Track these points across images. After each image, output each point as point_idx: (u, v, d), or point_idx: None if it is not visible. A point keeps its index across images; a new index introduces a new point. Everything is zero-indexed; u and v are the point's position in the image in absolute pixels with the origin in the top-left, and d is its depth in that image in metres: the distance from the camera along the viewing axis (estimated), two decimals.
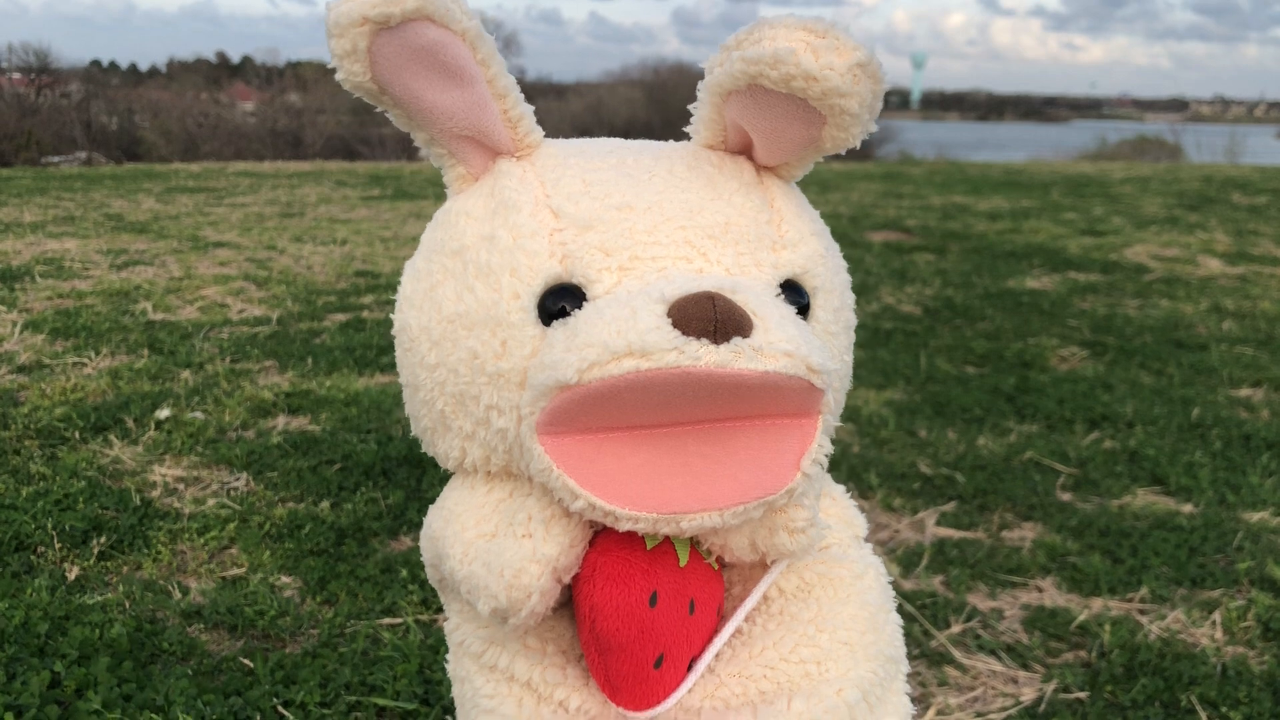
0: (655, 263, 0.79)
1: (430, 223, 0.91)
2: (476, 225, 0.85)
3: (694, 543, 0.83)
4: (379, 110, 0.85)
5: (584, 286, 0.79)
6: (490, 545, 0.83)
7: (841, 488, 1.00)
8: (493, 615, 0.82)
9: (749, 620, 0.88)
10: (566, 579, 0.81)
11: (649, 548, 0.80)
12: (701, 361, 0.67)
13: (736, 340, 0.68)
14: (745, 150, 0.88)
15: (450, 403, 0.85)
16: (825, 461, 0.77)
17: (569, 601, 0.85)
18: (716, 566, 0.86)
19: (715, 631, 0.86)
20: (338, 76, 0.80)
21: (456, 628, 0.94)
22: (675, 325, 0.69)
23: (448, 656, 0.96)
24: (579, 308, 0.77)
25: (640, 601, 0.78)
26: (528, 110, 0.87)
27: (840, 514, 0.96)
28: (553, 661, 0.87)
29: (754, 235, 0.83)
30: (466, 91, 0.82)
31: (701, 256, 0.80)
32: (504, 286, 0.80)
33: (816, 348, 0.71)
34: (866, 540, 0.98)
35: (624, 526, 0.74)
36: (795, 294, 0.84)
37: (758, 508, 0.74)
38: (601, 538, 0.81)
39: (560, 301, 0.79)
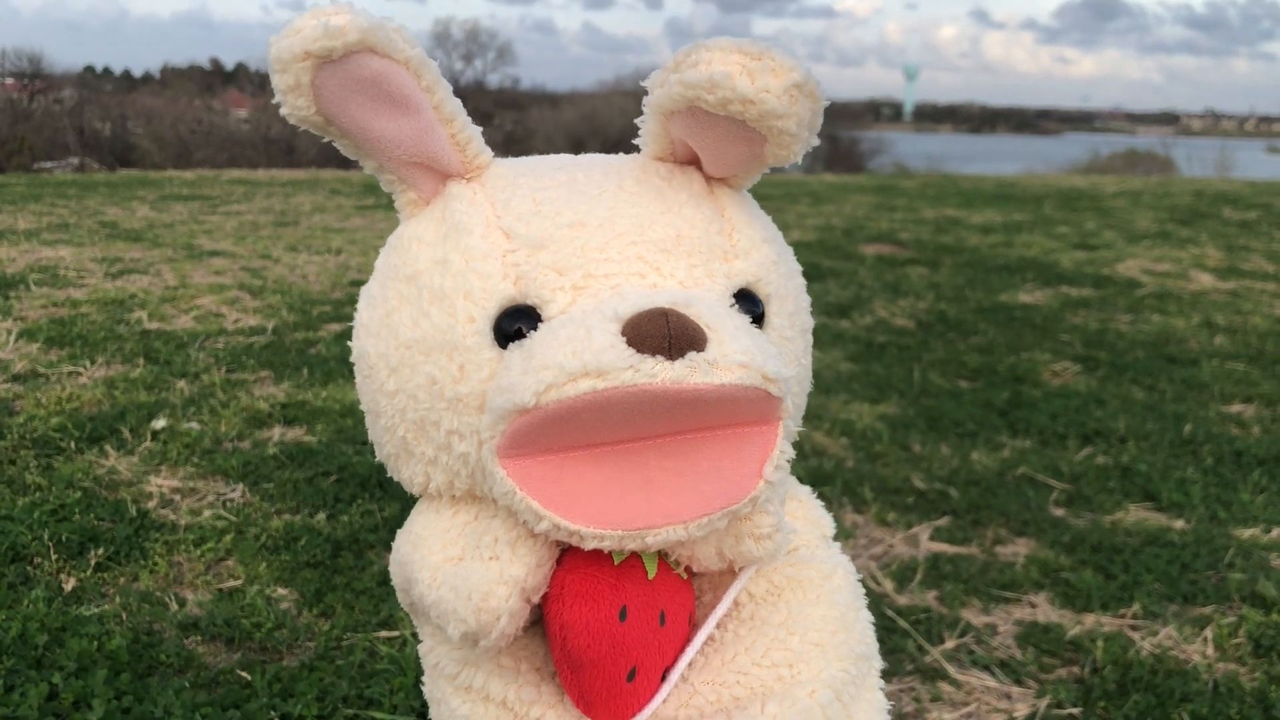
0: (609, 280, 0.79)
1: (384, 248, 0.92)
2: (429, 250, 0.85)
3: (662, 554, 0.84)
4: (326, 140, 0.85)
5: (539, 307, 0.79)
6: (457, 569, 0.84)
7: (807, 489, 1.00)
8: (463, 639, 0.82)
9: (720, 627, 0.88)
10: (535, 599, 0.82)
11: (616, 563, 0.81)
12: (657, 378, 0.68)
13: (691, 355, 0.69)
14: (693, 161, 0.88)
15: (411, 429, 0.85)
16: (787, 467, 0.78)
17: (540, 619, 0.85)
18: (685, 576, 0.87)
19: (687, 640, 0.86)
20: (283, 111, 0.80)
21: (430, 650, 0.95)
22: (630, 343, 0.69)
23: (423, 679, 0.97)
24: (535, 328, 0.77)
25: (610, 617, 0.79)
26: (476, 132, 0.87)
27: (807, 515, 0.97)
28: (527, 680, 0.87)
29: (706, 246, 0.84)
30: (413, 119, 0.82)
31: (655, 271, 0.81)
32: (459, 310, 0.81)
33: (772, 356, 0.72)
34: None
35: (590, 545, 0.74)
36: (750, 303, 0.84)
37: (722, 518, 0.74)
38: (568, 556, 0.82)
39: (516, 323, 0.79)
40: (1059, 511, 2.88)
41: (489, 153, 0.88)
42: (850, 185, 12.67)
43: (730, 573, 0.88)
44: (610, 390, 0.68)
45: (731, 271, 0.84)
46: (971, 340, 4.84)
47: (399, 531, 0.93)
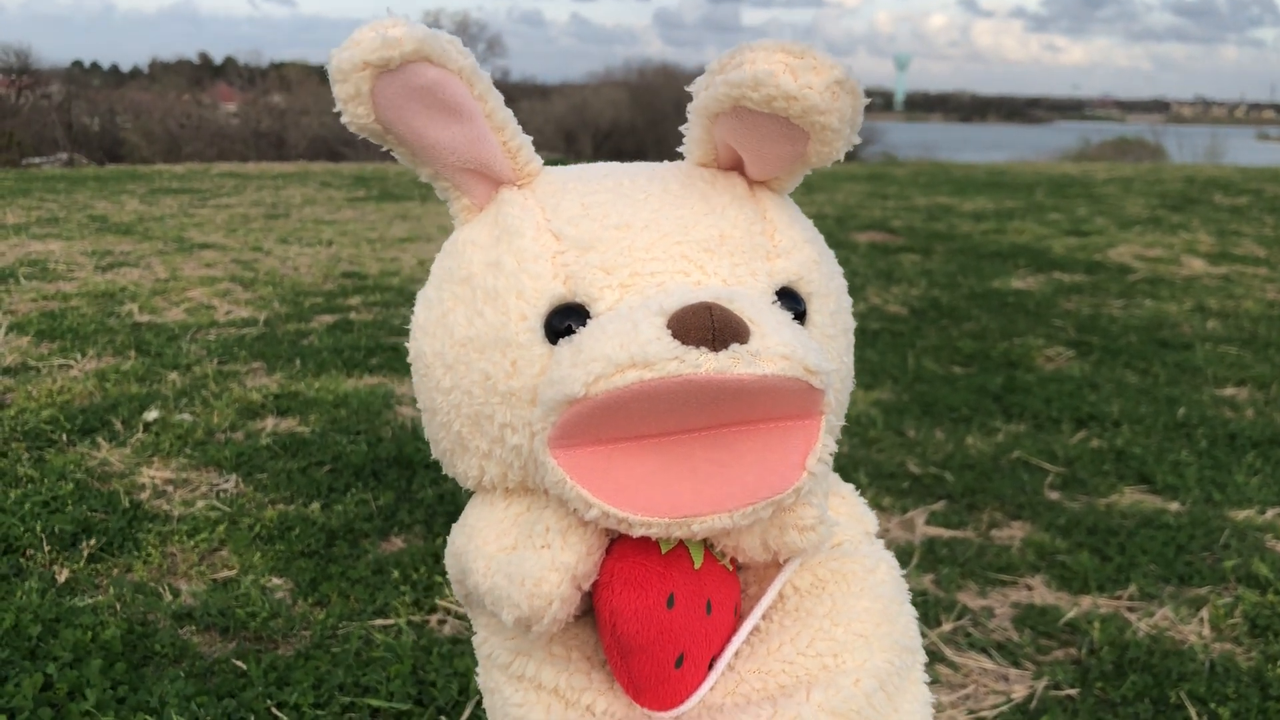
0: (654, 278, 0.82)
1: (439, 253, 0.95)
2: (482, 253, 0.88)
3: (708, 545, 0.85)
4: (384, 149, 0.89)
5: (587, 304, 0.82)
6: (511, 557, 0.86)
7: (851, 486, 1.02)
8: (517, 625, 0.84)
9: (765, 618, 0.90)
10: (586, 586, 0.83)
11: (664, 552, 0.82)
12: (701, 369, 0.70)
13: (734, 346, 0.71)
14: (736, 166, 0.91)
15: (466, 424, 0.88)
16: (830, 460, 0.79)
17: (590, 609, 0.87)
18: (731, 567, 0.88)
19: (733, 630, 0.88)
20: (343, 120, 0.84)
21: (484, 641, 0.96)
22: (675, 335, 0.71)
23: (477, 670, 0.99)
24: (583, 325, 0.80)
25: (658, 604, 0.80)
26: (526, 140, 0.90)
27: (850, 511, 0.98)
28: (578, 668, 0.89)
29: (748, 246, 0.86)
30: (466, 127, 0.85)
31: (699, 269, 0.83)
32: (511, 309, 0.84)
33: (813, 350, 0.74)
34: (880, 539, 0.99)
35: (637, 532, 0.76)
36: (791, 300, 0.86)
37: (766, 508, 0.76)
38: (617, 545, 0.84)
39: (565, 320, 0.82)
40: (1054, 495, 2.89)
41: (539, 160, 0.92)
42: (842, 174, 12.67)
43: (775, 565, 0.89)
44: (656, 380, 0.70)
45: (774, 270, 0.87)
46: (965, 326, 4.84)
47: (454, 525, 0.95)
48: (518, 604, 0.82)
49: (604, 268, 0.83)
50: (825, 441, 0.76)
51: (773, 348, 0.71)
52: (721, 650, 0.86)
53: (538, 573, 0.82)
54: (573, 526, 0.82)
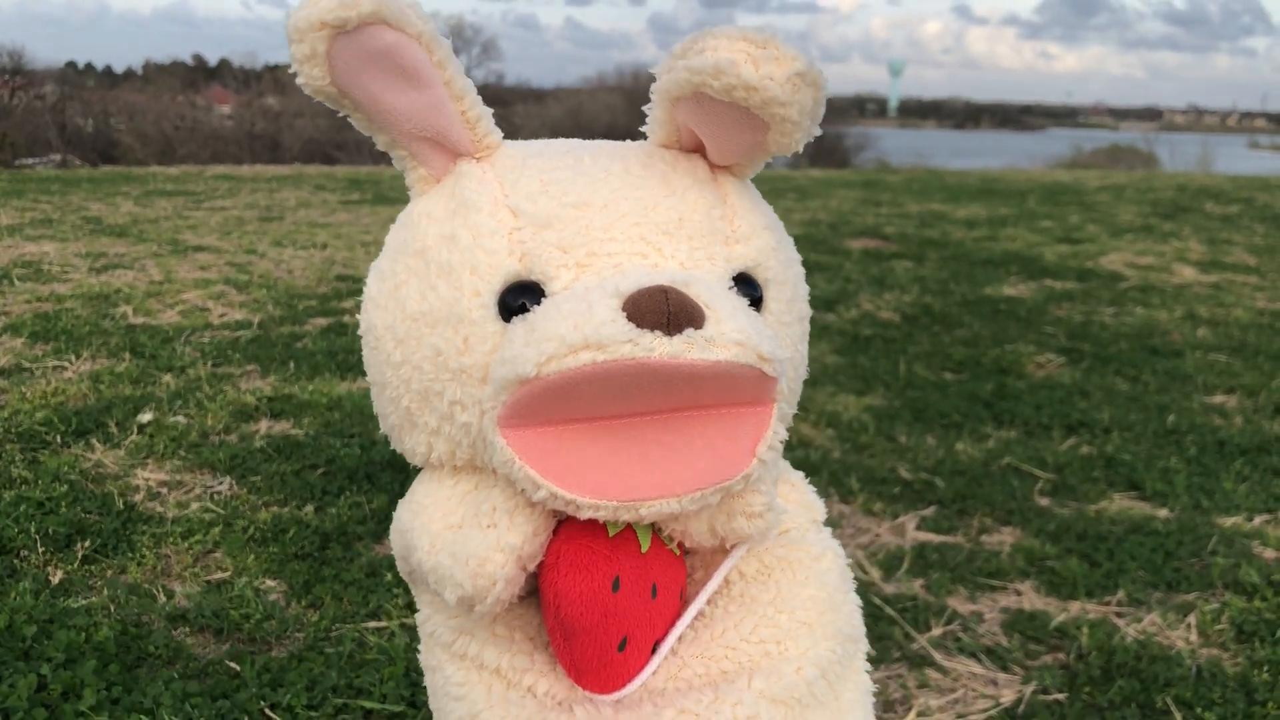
0: (611, 259, 0.81)
1: (394, 224, 0.94)
2: (438, 225, 0.87)
3: (655, 529, 0.85)
4: (340, 115, 0.87)
5: (543, 283, 0.81)
6: (456, 536, 0.85)
7: (800, 474, 1.02)
8: (459, 604, 0.84)
9: (710, 603, 0.90)
10: (531, 567, 0.83)
11: (611, 535, 0.82)
12: (655, 353, 0.69)
13: (689, 331, 0.70)
14: (698, 148, 0.90)
15: (415, 399, 0.87)
16: (780, 447, 0.79)
17: (535, 590, 0.86)
18: (678, 552, 0.88)
19: (678, 615, 0.88)
20: (298, 81, 0.82)
21: (427, 619, 0.96)
22: (630, 318, 0.71)
23: (419, 647, 0.98)
24: (538, 304, 0.79)
25: (603, 587, 0.80)
26: (486, 112, 0.89)
27: (799, 499, 0.99)
28: (520, 648, 0.89)
29: (707, 230, 0.85)
30: (424, 93, 0.84)
31: (656, 252, 0.83)
32: (465, 284, 0.83)
33: (768, 337, 0.73)
34: (829, 528, 1.00)
35: (585, 514, 0.76)
36: (748, 286, 0.86)
37: (715, 493, 0.76)
38: (564, 526, 0.83)
39: (520, 298, 0.81)
40: (1044, 501, 2.90)
41: (498, 133, 0.90)
42: (836, 180, 12.70)
43: (722, 551, 0.89)
44: (609, 363, 0.69)
45: (731, 255, 0.86)
46: (956, 333, 4.86)
47: (400, 501, 0.95)
48: (461, 583, 0.82)
49: (561, 246, 0.82)
50: (776, 429, 0.76)
51: (727, 334, 0.71)
52: (665, 634, 0.87)
53: (482, 552, 0.81)
54: (520, 507, 0.82)
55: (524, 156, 0.89)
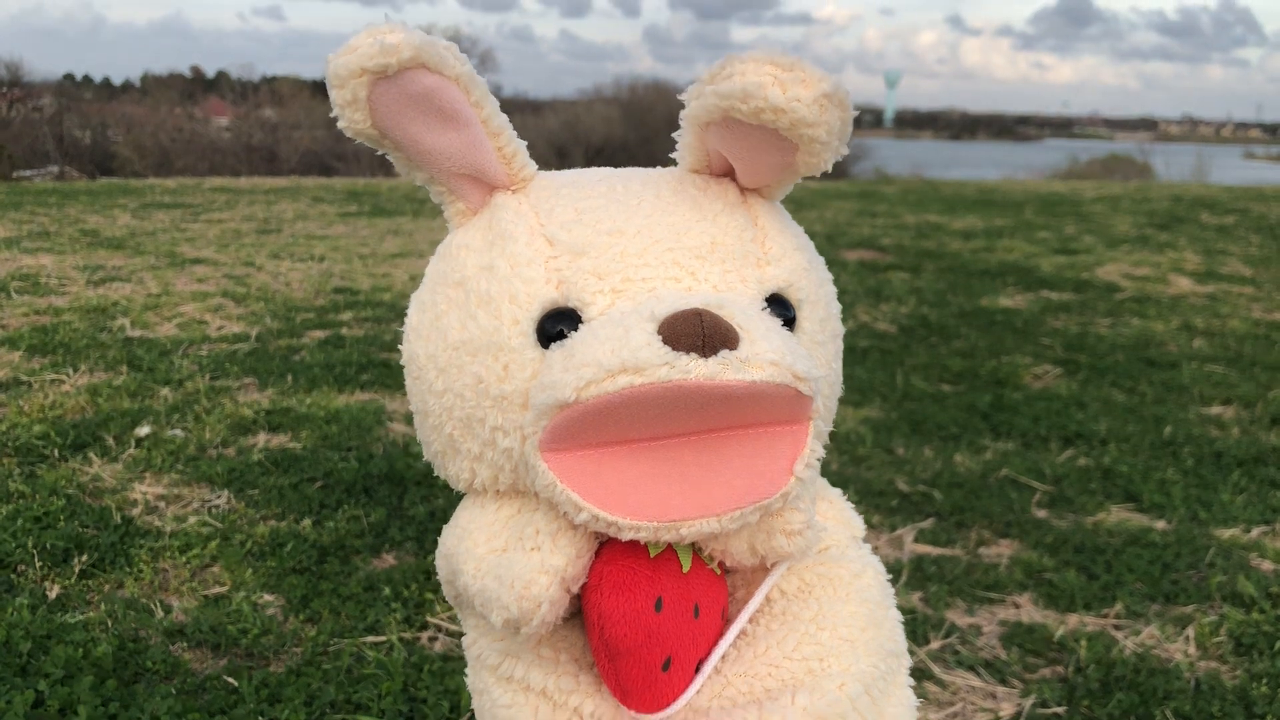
0: (646, 283, 0.83)
1: (433, 256, 0.95)
2: (476, 256, 0.89)
3: (696, 549, 0.86)
4: (380, 153, 0.89)
5: (580, 309, 0.83)
6: (501, 559, 0.87)
7: (838, 491, 1.03)
8: (506, 626, 0.85)
9: (752, 621, 0.91)
10: (574, 589, 0.84)
11: (652, 555, 0.83)
12: (691, 375, 0.71)
13: (724, 353, 0.71)
14: (729, 173, 0.91)
15: (458, 426, 0.88)
16: (818, 465, 0.80)
17: (579, 611, 0.88)
18: (719, 571, 0.89)
19: (720, 634, 0.89)
20: (340, 125, 0.84)
21: (474, 642, 0.97)
22: (665, 341, 0.72)
23: (467, 670, 0.99)
24: (575, 330, 0.80)
25: (646, 607, 0.81)
26: (521, 146, 0.91)
27: (838, 516, 0.99)
28: (566, 670, 0.90)
29: (739, 253, 0.87)
30: (462, 133, 0.86)
31: (690, 275, 0.84)
32: (504, 313, 0.84)
33: (802, 356, 0.75)
34: (867, 544, 1.00)
35: (626, 536, 0.77)
36: (781, 307, 0.87)
37: (754, 512, 0.77)
38: (606, 548, 0.85)
39: (558, 325, 0.82)
40: (1041, 513, 2.91)
41: (533, 166, 0.93)
42: (832, 191, 12.72)
43: (762, 569, 0.90)
44: (647, 386, 0.71)
45: (764, 277, 0.87)
46: (953, 344, 4.87)
47: (445, 527, 0.96)
48: (507, 606, 0.83)
49: (596, 273, 0.83)
50: (813, 447, 0.77)
51: (762, 354, 0.72)
52: (708, 653, 0.87)
53: (527, 575, 0.82)
54: (562, 529, 0.83)
55: (558, 186, 0.91)
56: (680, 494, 0.76)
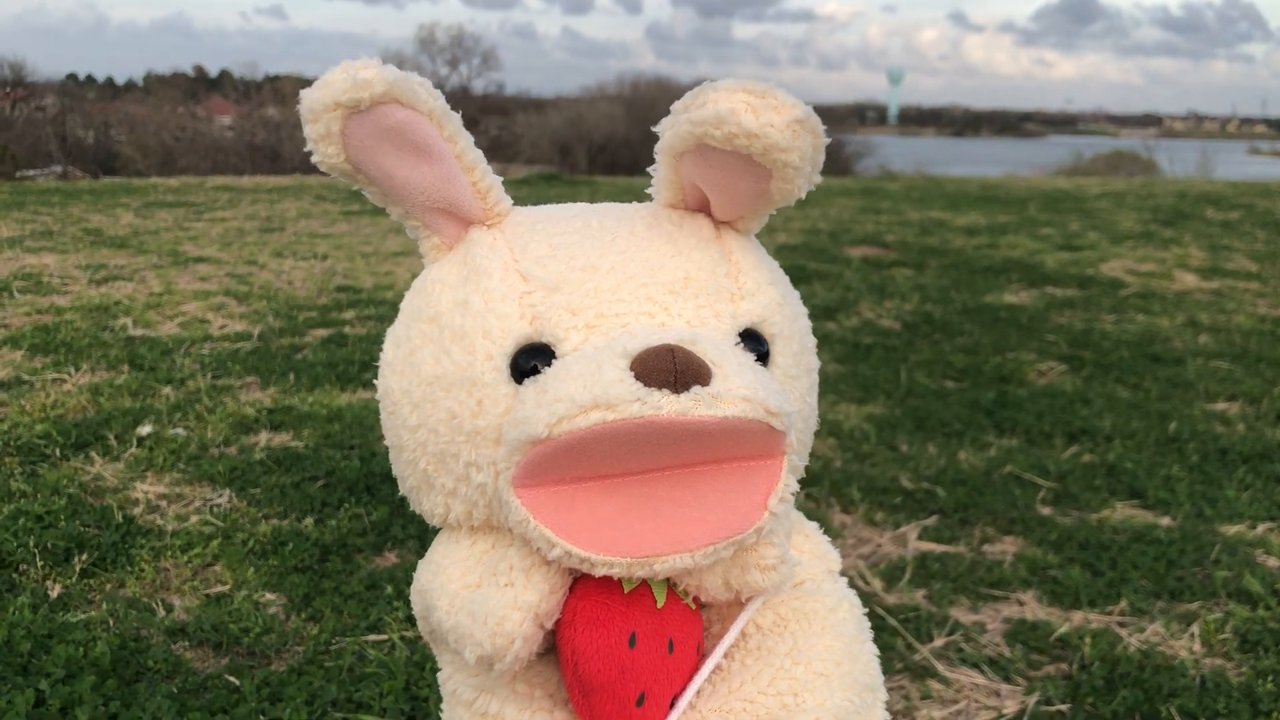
0: (619, 319, 0.83)
1: (409, 291, 0.96)
2: (450, 292, 0.89)
3: (670, 584, 0.86)
4: (355, 188, 0.90)
5: (553, 345, 0.83)
6: (474, 595, 0.87)
7: (815, 524, 1.03)
8: (479, 662, 0.85)
9: (728, 657, 0.90)
10: (549, 624, 0.84)
11: (626, 591, 0.83)
12: (663, 410, 0.71)
13: (696, 389, 0.72)
14: (703, 207, 0.92)
15: (432, 462, 0.88)
16: (791, 500, 0.80)
17: (553, 647, 0.87)
18: (694, 606, 0.89)
19: (695, 669, 0.88)
20: (314, 159, 0.85)
21: (449, 678, 0.97)
22: (638, 377, 0.72)
23: (442, 706, 0.99)
24: (549, 365, 0.81)
25: (620, 643, 0.81)
26: (496, 181, 0.91)
27: (813, 549, 0.99)
28: (540, 705, 0.90)
29: (713, 288, 0.87)
30: (436, 167, 0.87)
31: (663, 311, 0.84)
32: (478, 348, 0.84)
33: (775, 392, 0.75)
34: (845, 561, 1.00)
35: (600, 571, 0.77)
36: (755, 342, 0.87)
37: (728, 547, 0.77)
38: (580, 584, 0.84)
39: (532, 360, 0.82)
40: (1046, 510, 2.90)
41: (508, 200, 0.93)
42: (835, 188, 12.71)
43: (737, 604, 0.90)
44: (619, 422, 0.71)
45: (737, 312, 0.87)
46: (957, 341, 4.86)
47: (420, 561, 0.96)
48: (480, 642, 0.83)
49: (570, 309, 0.83)
50: (787, 481, 0.77)
51: (734, 390, 0.72)
52: (683, 689, 0.87)
53: (500, 611, 0.82)
54: (536, 565, 0.83)
55: (533, 222, 0.92)
56: (654, 529, 0.76)
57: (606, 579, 0.81)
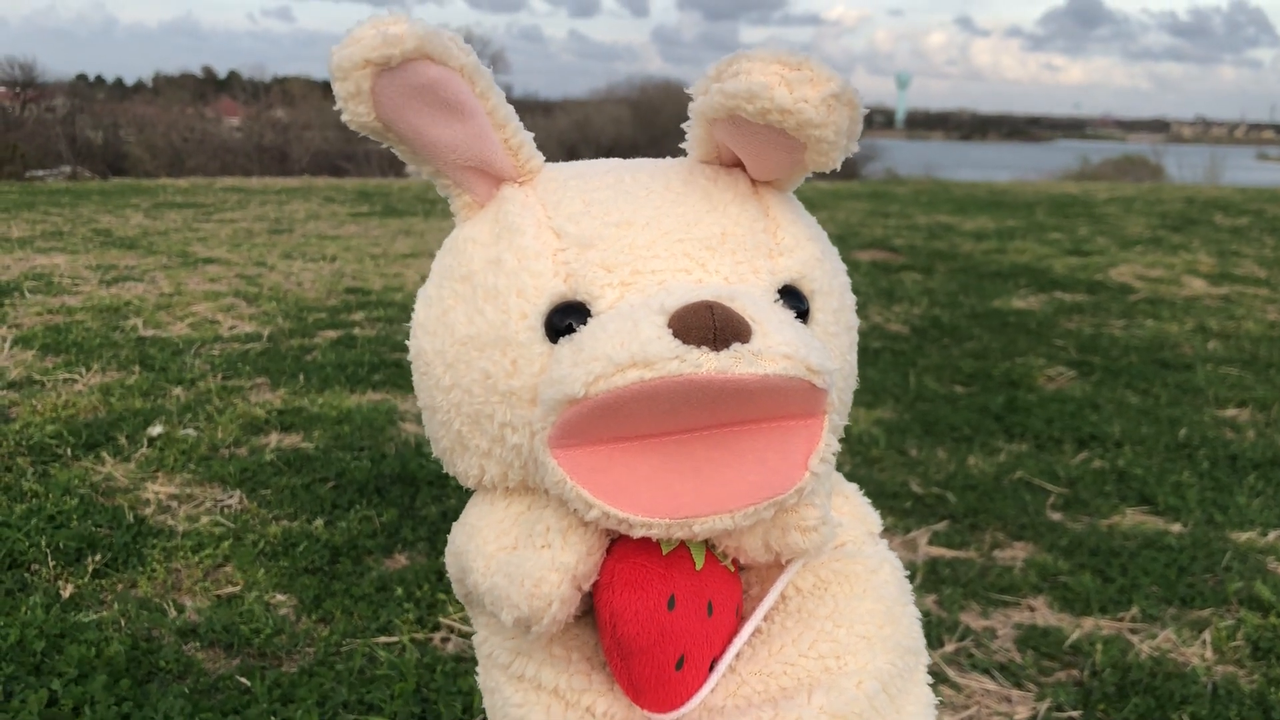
0: (655, 276, 0.81)
1: (440, 250, 0.94)
2: (483, 250, 0.87)
3: (709, 546, 0.85)
4: (385, 146, 0.88)
5: (588, 303, 0.81)
6: (511, 557, 0.85)
7: (855, 486, 1.01)
8: (516, 624, 0.84)
9: (767, 619, 0.89)
10: (586, 586, 0.83)
11: (665, 553, 0.82)
12: (702, 368, 0.69)
13: (736, 346, 0.70)
14: (739, 163, 0.90)
15: (466, 423, 0.87)
16: (833, 460, 0.78)
17: (590, 609, 0.86)
18: (733, 568, 0.88)
19: (734, 632, 0.87)
20: (344, 118, 0.83)
21: (484, 640, 0.96)
22: (676, 335, 0.70)
23: (478, 669, 0.98)
24: (584, 324, 0.79)
25: (658, 605, 0.80)
26: (528, 138, 0.89)
27: (854, 511, 0.97)
28: (578, 668, 0.89)
29: (751, 244, 0.85)
30: (468, 124, 0.84)
31: (700, 267, 0.82)
32: (511, 307, 0.83)
33: (816, 349, 0.73)
34: (884, 539, 0.99)
35: (638, 533, 0.75)
36: (794, 299, 0.85)
37: (768, 508, 0.75)
38: (618, 545, 0.83)
39: (566, 319, 0.81)
40: (1056, 515, 2.89)
41: (540, 157, 0.91)
42: (844, 192, 12.70)
43: (777, 566, 0.89)
44: (657, 380, 0.69)
45: (776, 268, 0.86)
46: (966, 345, 4.85)
47: (455, 524, 0.94)
48: (517, 604, 0.82)
49: (605, 265, 0.82)
50: (828, 441, 0.75)
51: (774, 347, 0.70)
52: (723, 652, 0.86)
53: (538, 573, 0.81)
54: (573, 526, 0.81)
55: (565, 178, 0.89)
56: (692, 490, 0.74)
57: (644, 541, 0.80)
